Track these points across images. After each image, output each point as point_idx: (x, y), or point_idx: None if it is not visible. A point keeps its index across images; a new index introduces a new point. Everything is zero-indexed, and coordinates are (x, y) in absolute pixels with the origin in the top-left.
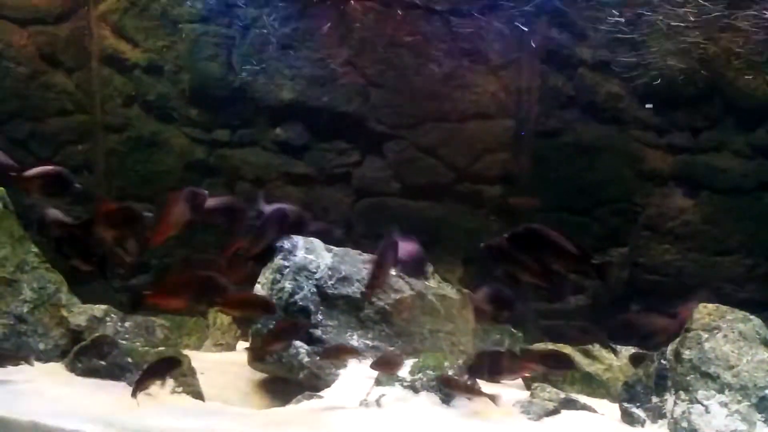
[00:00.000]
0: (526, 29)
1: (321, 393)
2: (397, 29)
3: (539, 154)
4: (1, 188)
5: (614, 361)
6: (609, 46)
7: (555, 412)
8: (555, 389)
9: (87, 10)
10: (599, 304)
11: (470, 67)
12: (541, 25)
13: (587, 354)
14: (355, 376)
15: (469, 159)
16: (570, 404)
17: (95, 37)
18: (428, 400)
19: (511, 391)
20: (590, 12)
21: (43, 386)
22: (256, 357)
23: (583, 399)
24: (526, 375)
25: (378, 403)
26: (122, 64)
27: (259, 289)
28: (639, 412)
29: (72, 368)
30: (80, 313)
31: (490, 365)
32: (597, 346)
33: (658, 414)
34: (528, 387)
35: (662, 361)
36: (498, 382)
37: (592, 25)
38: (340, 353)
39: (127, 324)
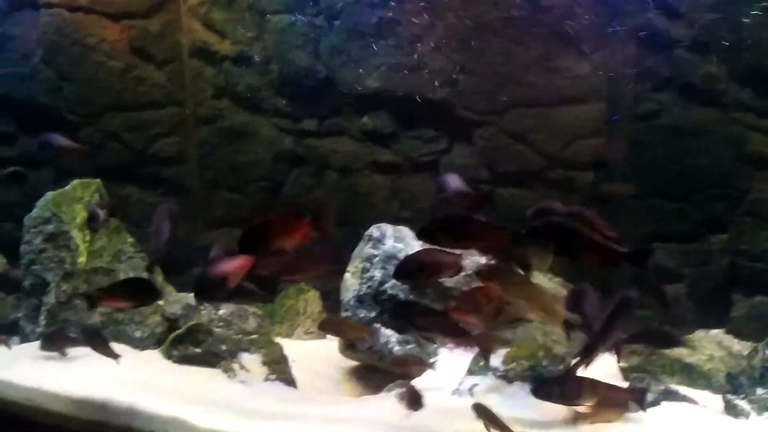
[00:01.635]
0: (619, 9)
1: (412, 382)
2: (485, 13)
3: (634, 139)
4: (98, 179)
5: (716, 351)
6: (706, 25)
7: (654, 403)
8: (655, 380)
9: (177, 4)
10: (697, 292)
11: (561, 50)
12: (635, 5)
13: (688, 344)
14: (447, 364)
15: (560, 144)
16: (670, 395)
17: (185, 30)
18: (521, 389)
19: (609, 381)
20: None
21: (141, 373)
22: None
23: (683, 390)
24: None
25: (470, 392)
26: (212, 56)
27: (348, 278)
28: (743, 404)
29: (168, 355)
30: (175, 302)
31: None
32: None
33: (763, 406)
34: (626, 378)
35: (767, 351)
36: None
37: (689, 3)
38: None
39: (220, 312)
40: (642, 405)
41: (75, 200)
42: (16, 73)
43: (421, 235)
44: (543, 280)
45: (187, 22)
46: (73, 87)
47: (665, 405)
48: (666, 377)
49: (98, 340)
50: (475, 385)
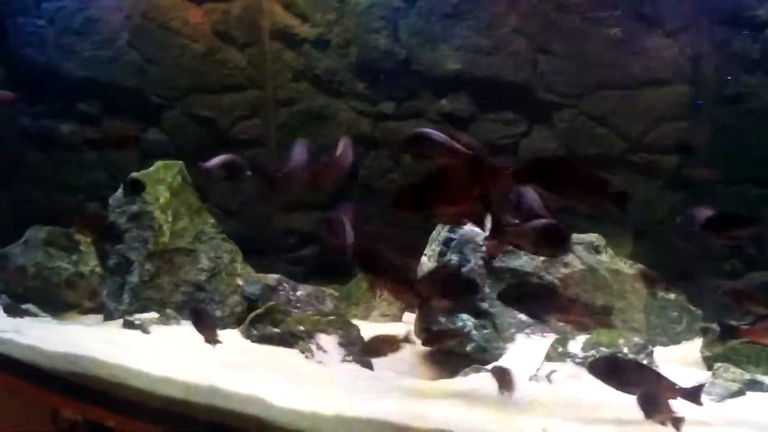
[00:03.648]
0: None
1: (488, 366)
2: None
3: (720, 122)
4: (180, 161)
5: None
6: None
7: (739, 393)
8: (739, 369)
9: None
10: None
11: (645, 31)
12: None
13: None
14: (524, 350)
15: (643, 128)
16: (756, 386)
17: (266, 13)
18: None
19: (691, 371)
20: None
21: (221, 352)
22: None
23: None
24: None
25: (548, 378)
26: (292, 39)
27: (425, 261)
28: None
29: (247, 335)
30: (254, 282)
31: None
32: None
33: None
34: (709, 367)
35: None
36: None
37: None
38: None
39: (298, 293)
40: (697, 402)
41: (158, 181)
42: (102, 56)
43: (393, 205)
44: (623, 266)
45: (268, 5)
46: (157, 70)
47: (750, 395)
48: (752, 366)
49: (207, 321)
50: (554, 371)
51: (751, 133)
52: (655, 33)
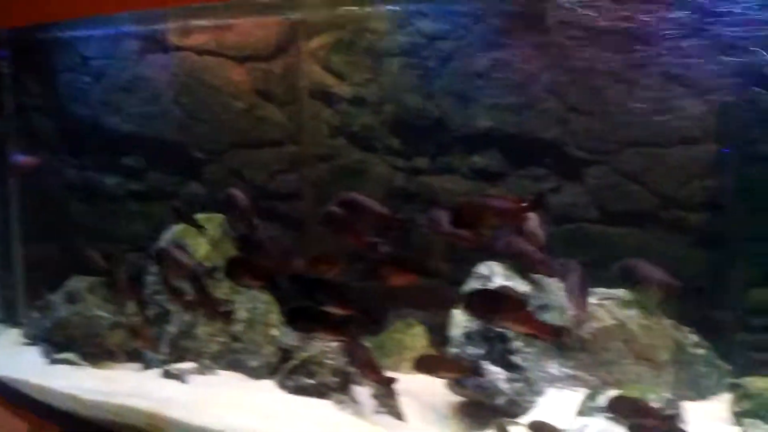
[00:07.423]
0: (733, 50)
1: (519, 420)
2: (598, 54)
3: (750, 180)
4: (220, 215)
5: None
6: None
7: None
8: None
9: (298, 47)
10: None
11: (675, 91)
12: (750, 47)
13: None
14: (554, 404)
15: (675, 185)
16: None
17: (305, 73)
18: None
19: (721, 426)
20: None
21: (259, 401)
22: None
23: None
24: None
25: None
26: (329, 97)
27: (457, 314)
28: None
29: (282, 385)
30: (288, 333)
31: None
32: None
33: None
34: (739, 423)
35: None
36: None
37: None
38: None
39: (332, 344)
40: None
41: (199, 234)
42: (148, 112)
43: None
44: (652, 321)
45: (307, 65)
46: (200, 126)
47: None
48: None
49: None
50: (585, 426)
51: None
52: (685, 93)
